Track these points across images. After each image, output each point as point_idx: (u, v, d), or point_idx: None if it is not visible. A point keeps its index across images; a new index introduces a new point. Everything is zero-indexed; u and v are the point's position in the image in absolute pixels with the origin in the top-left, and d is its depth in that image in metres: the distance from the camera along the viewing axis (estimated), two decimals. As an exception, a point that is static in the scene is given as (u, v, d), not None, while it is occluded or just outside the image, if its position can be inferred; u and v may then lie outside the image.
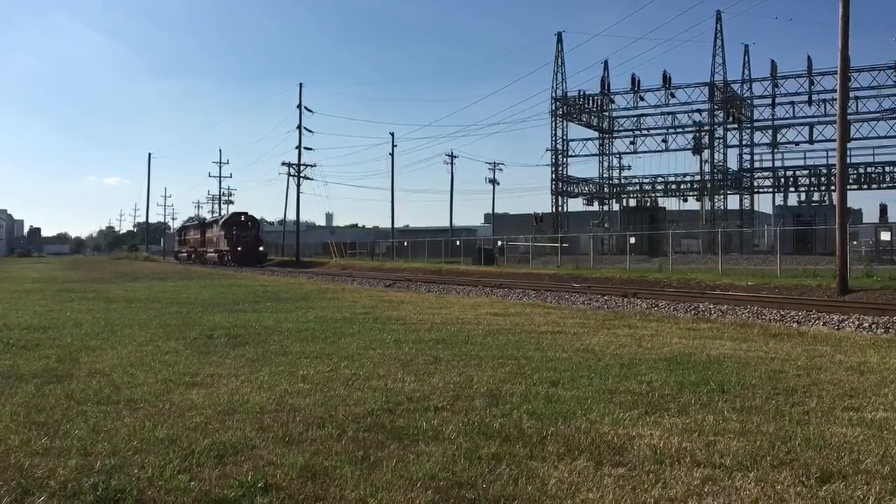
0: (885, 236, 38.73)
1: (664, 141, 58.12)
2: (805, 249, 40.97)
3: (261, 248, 62.03)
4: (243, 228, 61.55)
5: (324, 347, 9.81)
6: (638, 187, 63.79)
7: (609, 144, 64.01)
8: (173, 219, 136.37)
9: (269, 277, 35.81)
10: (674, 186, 61.21)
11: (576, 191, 62.63)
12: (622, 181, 64.35)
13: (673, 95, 56.20)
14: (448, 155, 77.60)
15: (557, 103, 58.59)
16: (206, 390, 6.92)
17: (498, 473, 4.43)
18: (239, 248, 59.51)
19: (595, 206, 65.20)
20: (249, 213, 65.12)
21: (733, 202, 60.59)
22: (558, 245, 44.80)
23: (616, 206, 64.12)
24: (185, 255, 79.31)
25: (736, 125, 58.59)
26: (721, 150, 56.44)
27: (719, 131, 56.30)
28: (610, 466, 4.59)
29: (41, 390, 6.87)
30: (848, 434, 5.33)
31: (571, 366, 8.27)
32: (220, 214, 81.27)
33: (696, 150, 56.19)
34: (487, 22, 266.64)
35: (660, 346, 10.06)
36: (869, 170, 53.55)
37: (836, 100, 23.61)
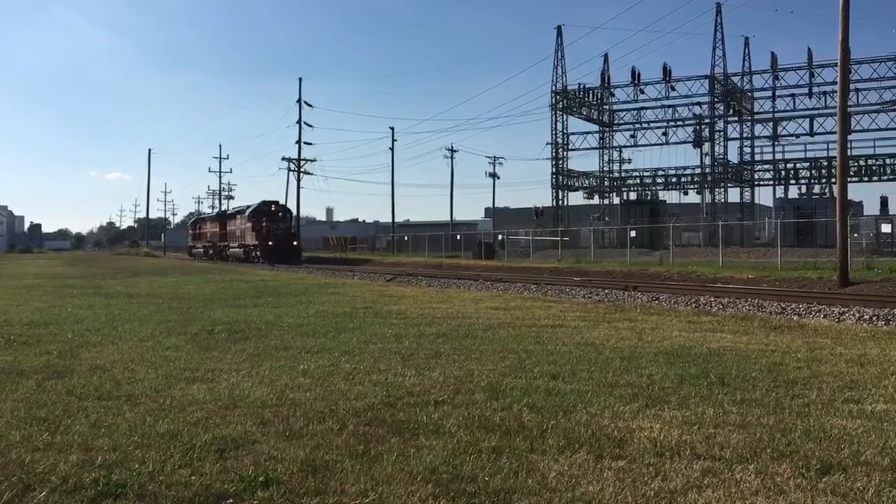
0: (886, 228, 38.77)
1: (664, 134, 58.22)
2: (806, 242, 40.99)
3: (295, 243, 52.85)
4: (275, 220, 52.64)
5: (324, 342, 9.81)
6: (638, 181, 63.86)
7: (609, 138, 64.05)
8: (174, 214, 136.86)
9: (270, 272, 35.82)
10: (674, 180, 61.29)
11: (576, 184, 62.70)
12: (623, 175, 64.44)
13: (673, 88, 56.24)
14: (448, 149, 77.56)
15: (558, 97, 58.58)
16: (206, 385, 6.92)
17: (498, 467, 4.44)
18: (270, 243, 50.38)
19: (595, 200, 65.33)
20: (281, 203, 56.41)
21: (734, 195, 60.78)
22: (559, 239, 44.86)
23: (616, 200, 64.26)
24: (200, 250, 69.51)
25: (736, 118, 58.58)
26: (721, 143, 56.53)
27: (720, 124, 56.35)
28: (610, 459, 4.60)
29: (42, 386, 6.87)
30: (848, 426, 5.33)
31: (572, 359, 8.27)
32: (245, 205, 66.80)
33: (697, 143, 56.25)
34: (487, 15, 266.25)
35: (660, 339, 10.06)
36: (870, 162, 53.62)
37: (836, 92, 23.56)
